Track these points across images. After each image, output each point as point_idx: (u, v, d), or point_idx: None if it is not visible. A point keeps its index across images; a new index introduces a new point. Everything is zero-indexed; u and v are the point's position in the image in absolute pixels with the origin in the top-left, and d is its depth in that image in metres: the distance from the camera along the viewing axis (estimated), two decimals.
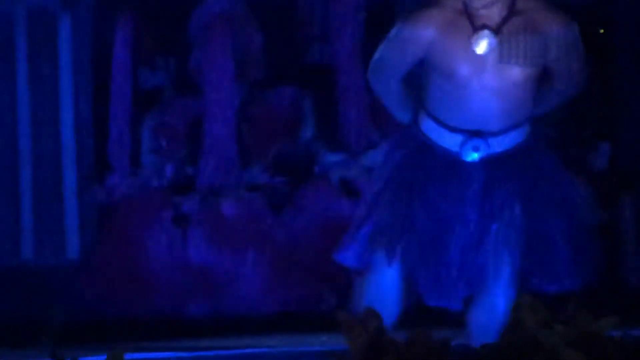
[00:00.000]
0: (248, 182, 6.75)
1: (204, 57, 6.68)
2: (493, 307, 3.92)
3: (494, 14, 3.83)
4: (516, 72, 3.87)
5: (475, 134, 3.90)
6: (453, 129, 3.91)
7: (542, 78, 3.96)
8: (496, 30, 3.82)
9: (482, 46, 3.82)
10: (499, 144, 3.95)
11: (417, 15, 3.95)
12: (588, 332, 2.42)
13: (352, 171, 6.77)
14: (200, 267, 6.61)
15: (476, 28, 3.84)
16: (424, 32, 3.89)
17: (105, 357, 2.65)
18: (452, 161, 3.96)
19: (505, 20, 3.85)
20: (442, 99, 3.93)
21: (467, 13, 3.85)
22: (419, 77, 4.00)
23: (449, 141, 3.92)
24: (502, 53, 3.85)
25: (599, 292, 6.47)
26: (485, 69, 3.86)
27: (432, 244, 3.93)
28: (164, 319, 6.54)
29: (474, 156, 3.91)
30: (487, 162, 3.95)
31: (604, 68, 8.06)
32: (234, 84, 6.72)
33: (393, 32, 3.97)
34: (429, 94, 3.96)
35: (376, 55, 4.02)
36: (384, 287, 3.95)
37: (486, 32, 3.81)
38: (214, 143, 6.68)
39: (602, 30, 8.30)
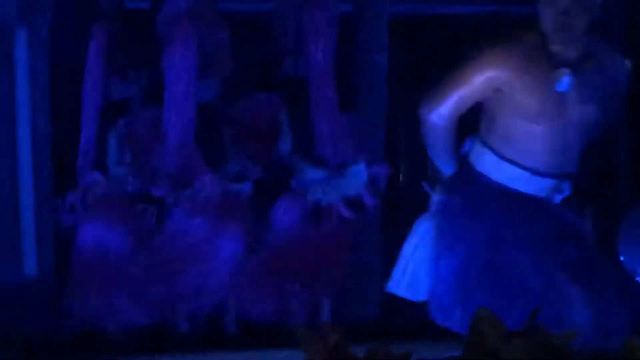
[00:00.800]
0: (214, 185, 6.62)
1: (168, 53, 6.59)
2: None
3: (571, 51, 3.76)
4: (592, 111, 3.81)
5: (561, 177, 3.85)
6: (543, 174, 3.80)
7: None
8: (575, 68, 3.76)
9: (564, 83, 3.73)
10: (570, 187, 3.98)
11: (493, 53, 3.86)
12: (546, 345, 2.40)
13: (330, 195, 6.57)
14: (165, 277, 6.45)
15: (556, 65, 3.77)
16: (502, 71, 3.78)
17: None
18: (530, 203, 3.82)
19: (583, 58, 3.78)
20: (527, 144, 3.77)
21: (545, 50, 3.78)
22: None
23: (535, 186, 3.81)
24: (581, 91, 3.78)
25: None
26: (566, 108, 3.78)
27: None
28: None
29: (557, 199, 3.88)
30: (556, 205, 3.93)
31: None
32: (195, 79, 6.56)
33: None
34: (510, 140, 3.80)
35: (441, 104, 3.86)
36: None
37: (568, 69, 3.72)
38: (173, 140, 6.52)
39: None
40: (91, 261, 6.55)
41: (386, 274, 4.26)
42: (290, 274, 6.52)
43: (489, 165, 3.88)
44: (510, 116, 3.81)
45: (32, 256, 6.76)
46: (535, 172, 3.81)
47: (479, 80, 3.80)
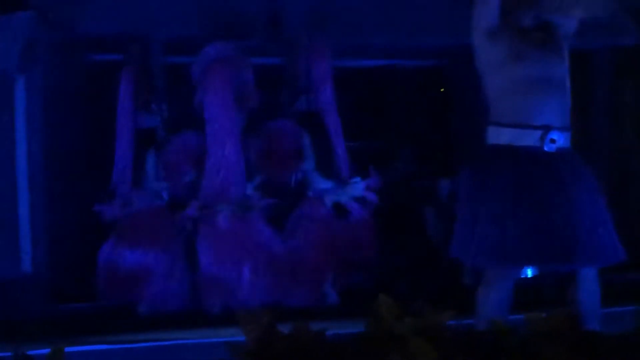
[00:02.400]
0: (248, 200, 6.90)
1: (207, 93, 6.85)
2: (593, 278, 3.96)
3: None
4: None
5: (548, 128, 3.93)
6: (533, 127, 3.94)
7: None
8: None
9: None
10: (565, 140, 4.00)
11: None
12: (431, 323, 2.51)
13: (342, 197, 7.22)
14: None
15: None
16: None
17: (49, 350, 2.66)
18: (533, 156, 3.96)
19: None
20: (515, 102, 3.95)
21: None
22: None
23: (529, 138, 3.96)
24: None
25: (440, 290, 6.83)
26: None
27: (533, 228, 3.88)
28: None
29: (551, 147, 3.96)
30: (557, 157, 3.99)
31: (445, 122, 8.64)
32: (234, 114, 6.90)
33: None
34: (499, 106, 3.98)
35: None
36: (507, 287, 3.94)
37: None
38: (218, 165, 6.79)
39: (442, 89, 8.89)
40: (128, 261, 6.81)
41: None
42: (320, 259, 6.84)
43: (492, 133, 4.04)
44: (504, 85, 4.00)
45: (28, 255, 7.06)
46: (529, 127, 3.96)
47: None
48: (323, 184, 7.25)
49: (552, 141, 3.98)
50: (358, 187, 7.21)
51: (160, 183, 7.10)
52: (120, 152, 7.03)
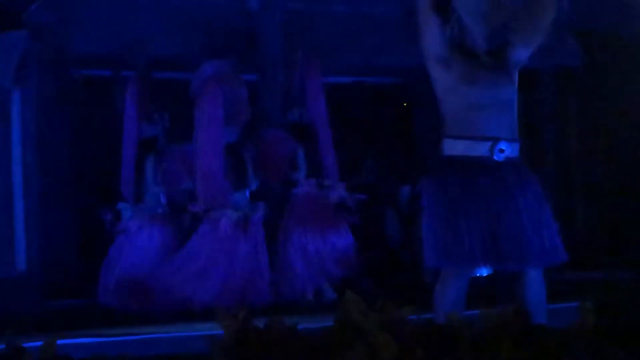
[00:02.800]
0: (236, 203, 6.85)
1: (198, 107, 6.84)
2: (538, 276, 3.94)
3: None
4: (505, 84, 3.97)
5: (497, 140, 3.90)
6: (483, 138, 3.93)
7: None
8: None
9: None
10: (512, 150, 3.99)
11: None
12: (393, 318, 2.51)
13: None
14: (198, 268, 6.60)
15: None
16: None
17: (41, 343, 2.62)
18: (484, 165, 3.94)
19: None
20: (468, 119, 3.93)
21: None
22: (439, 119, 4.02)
23: (480, 149, 3.95)
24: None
25: (400, 287, 6.90)
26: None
27: (485, 232, 3.86)
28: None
29: (500, 156, 3.94)
30: (506, 166, 3.97)
31: (406, 136, 8.73)
32: (223, 127, 6.85)
33: None
34: (454, 121, 3.96)
35: None
36: (462, 285, 3.94)
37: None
38: (204, 173, 6.77)
39: (405, 105, 9.06)
40: (133, 259, 6.77)
41: None
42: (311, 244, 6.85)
43: (448, 145, 4.03)
44: (456, 104, 3.99)
45: (22, 256, 7.08)
46: (478, 138, 3.95)
47: None
48: (312, 189, 7.27)
49: (501, 151, 3.99)
50: (341, 190, 7.24)
51: (159, 187, 7.08)
52: (126, 158, 7.01)
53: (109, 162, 7.35)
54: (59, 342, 2.66)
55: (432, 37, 3.98)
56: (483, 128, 3.99)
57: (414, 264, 7.08)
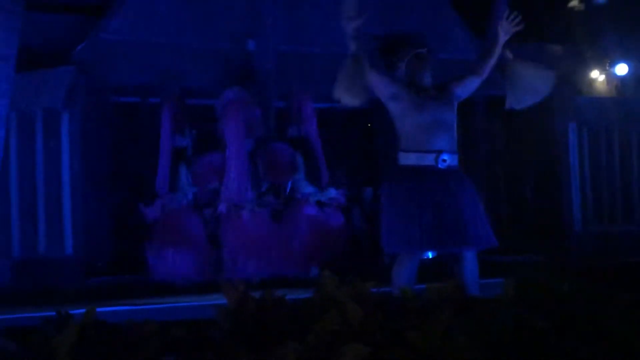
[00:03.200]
0: (258, 201, 6.89)
1: (226, 124, 6.85)
2: (473, 258, 3.92)
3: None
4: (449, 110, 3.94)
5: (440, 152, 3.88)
6: (430, 151, 3.91)
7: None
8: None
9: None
10: (452, 160, 3.97)
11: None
12: (360, 290, 2.49)
13: (321, 198, 7.22)
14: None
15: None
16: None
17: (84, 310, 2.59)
18: (431, 172, 3.92)
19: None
20: (417, 136, 3.92)
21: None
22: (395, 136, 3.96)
23: (427, 159, 3.92)
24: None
25: (365, 267, 7.02)
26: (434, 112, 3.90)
27: (431, 223, 3.85)
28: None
29: (443, 165, 3.92)
30: (447, 172, 3.95)
31: (370, 149, 8.65)
32: (245, 139, 6.89)
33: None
34: (406, 138, 3.93)
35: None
36: (414, 265, 3.92)
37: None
38: (233, 175, 6.76)
39: (369, 124, 9.40)
40: (168, 246, 6.64)
41: None
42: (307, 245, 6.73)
43: (402, 157, 4.01)
44: (407, 124, 3.96)
45: (70, 241, 6.97)
46: (426, 151, 3.93)
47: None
48: (308, 189, 7.26)
49: (444, 161, 3.98)
50: (332, 191, 7.26)
51: (190, 188, 7.04)
52: (162, 164, 6.97)
53: (138, 168, 7.36)
54: (98, 309, 2.64)
55: (379, 84, 3.97)
56: (429, 143, 3.98)
57: (375, 249, 6.87)
